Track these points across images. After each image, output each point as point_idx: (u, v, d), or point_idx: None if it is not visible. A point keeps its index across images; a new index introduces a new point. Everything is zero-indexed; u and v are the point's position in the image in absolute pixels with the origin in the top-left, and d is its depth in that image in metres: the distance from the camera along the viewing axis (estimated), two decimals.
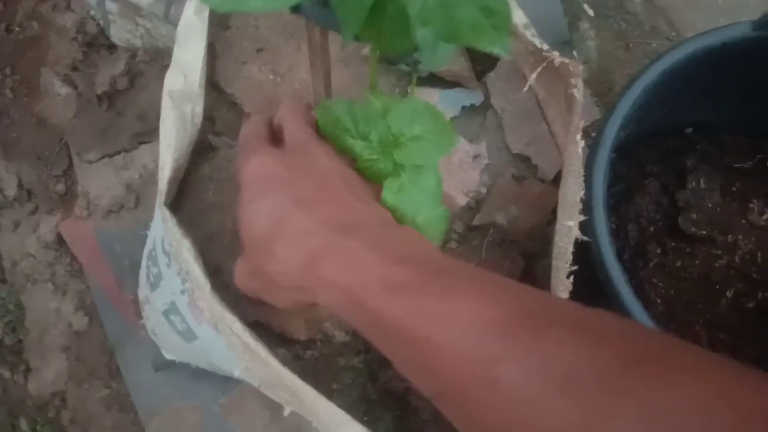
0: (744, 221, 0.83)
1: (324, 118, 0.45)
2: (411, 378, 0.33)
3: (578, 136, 0.51)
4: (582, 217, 0.51)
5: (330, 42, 0.46)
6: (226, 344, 0.52)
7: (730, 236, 0.82)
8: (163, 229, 0.53)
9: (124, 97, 0.86)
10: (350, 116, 0.44)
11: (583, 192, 0.50)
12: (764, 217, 0.83)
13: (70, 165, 0.91)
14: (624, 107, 0.64)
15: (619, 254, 0.83)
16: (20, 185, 0.90)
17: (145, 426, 0.85)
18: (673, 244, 0.82)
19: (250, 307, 0.55)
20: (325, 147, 0.43)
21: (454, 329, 0.29)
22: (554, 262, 0.51)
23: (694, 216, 0.81)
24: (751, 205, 0.83)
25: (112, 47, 0.86)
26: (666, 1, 1.02)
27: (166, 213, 0.51)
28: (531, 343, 0.27)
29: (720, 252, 0.82)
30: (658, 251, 0.82)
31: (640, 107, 0.68)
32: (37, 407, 0.90)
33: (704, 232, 0.81)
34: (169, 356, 0.80)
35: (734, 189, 0.84)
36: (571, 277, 0.53)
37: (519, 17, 0.53)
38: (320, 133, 0.46)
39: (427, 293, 0.31)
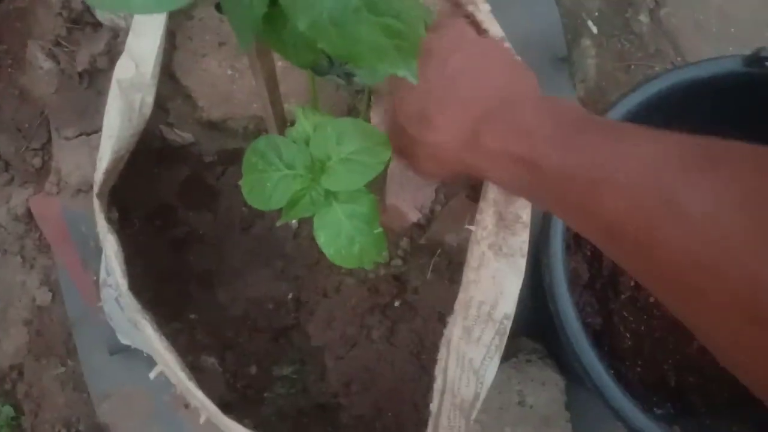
0: None
1: (249, 158, 0.43)
2: (582, 229, 0.33)
3: None
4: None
5: None
6: (145, 345, 0.51)
7: None
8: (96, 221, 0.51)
9: (105, 77, 0.85)
10: (273, 149, 0.42)
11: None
12: None
13: (49, 140, 0.90)
14: None
15: (591, 283, 0.80)
16: None
17: (96, 408, 0.85)
18: None
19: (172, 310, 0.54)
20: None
21: (632, 170, 0.29)
22: None
23: None
24: None
25: (97, 25, 0.85)
26: (675, 25, 0.98)
27: (97, 205, 0.50)
28: (709, 173, 0.27)
29: None
30: (632, 284, 0.79)
31: None
32: None
33: None
34: (124, 341, 0.80)
35: None
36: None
37: (495, 30, 0.51)
38: None
39: (600, 144, 0.32)
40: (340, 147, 0.43)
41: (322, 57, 0.37)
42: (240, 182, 0.46)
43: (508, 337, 0.80)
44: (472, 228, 0.47)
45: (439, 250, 0.57)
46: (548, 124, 0.34)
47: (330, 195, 0.44)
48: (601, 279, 0.80)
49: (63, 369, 0.87)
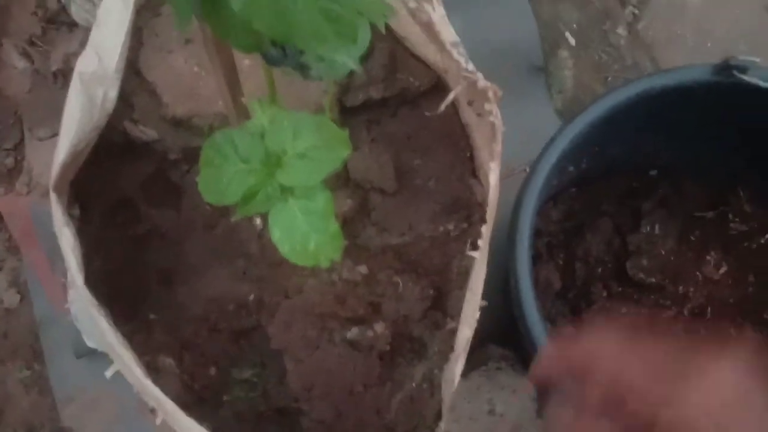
0: (698, 273, 0.79)
1: (206, 152, 0.43)
2: None
3: (493, 164, 0.48)
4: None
5: None
6: (99, 341, 0.50)
7: (681, 287, 0.78)
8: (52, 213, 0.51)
9: None
10: (229, 143, 0.42)
11: (487, 224, 0.48)
12: (720, 271, 0.79)
13: (22, 140, 0.89)
14: (562, 142, 0.61)
15: (564, 292, 0.80)
16: None
17: (60, 412, 0.83)
18: (620, 288, 0.79)
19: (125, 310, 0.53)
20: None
21: None
22: (467, 294, 0.48)
23: (645, 262, 0.78)
24: (708, 257, 0.79)
25: (72, 25, 0.85)
26: (652, 38, 0.99)
27: (54, 197, 0.49)
28: None
29: (668, 303, 0.78)
30: (604, 294, 0.79)
31: (588, 143, 0.65)
32: None
33: (653, 279, 0.77)
34: (90, 343, 0.78)
35: (692, 238, 0.80)
36: (477, 313, 0.51)
37: (447, 34, 0.51)
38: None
39: None
40: (296, 141, 0.43)
41: (275, 46, 0.37)
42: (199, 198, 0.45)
43: (477, 345, 0.80)
44: (474, 254, 0.47)
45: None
46: None
47: (286, 190, 0.44)
48: (574, 289, 0.80)
49: (28, 372, 0.86)
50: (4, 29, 0.87)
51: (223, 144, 0.44)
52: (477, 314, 0.48)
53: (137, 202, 0.58)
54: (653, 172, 0.83)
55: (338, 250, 0.45)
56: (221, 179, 0.44)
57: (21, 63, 0.86)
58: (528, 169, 0.95)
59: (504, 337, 0.84)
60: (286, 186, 0.44)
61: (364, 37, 0.42)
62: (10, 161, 0.89)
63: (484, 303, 0.48)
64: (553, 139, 0.61)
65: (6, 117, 0.90)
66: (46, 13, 0.84)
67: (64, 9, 0.84)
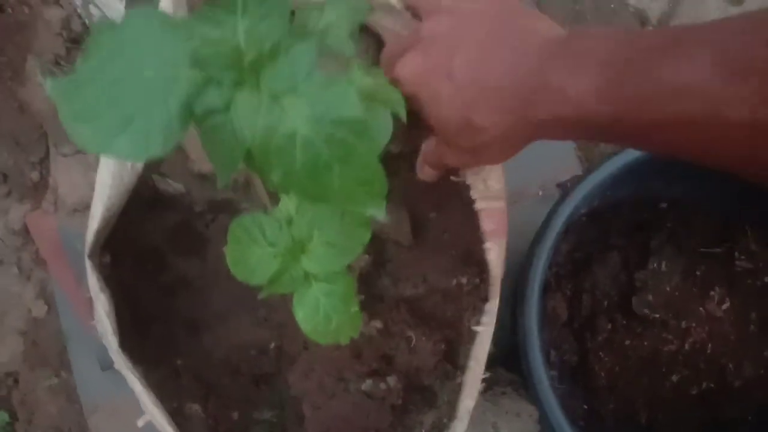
0: (701, 309, 0.81)
1: (235, 232, 0.45)
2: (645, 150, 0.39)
3: (488, 244, 0.51)
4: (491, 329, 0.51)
5: None
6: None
7: (683, 323, 0.81)
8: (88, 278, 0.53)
9: None
10: (257, 226, 0.44)
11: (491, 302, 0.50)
12: (723, 307, 0.81)
13: (47, 154, 0.92)
14: (574, 200, 0.63)
15: (569, 322, 0.83)
16: None
17: (87, 419, 0.88)
18: (624, 321, 0.81)
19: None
20: None
21: (675, 101, 0.31)
22: (470, 363, 0.51)
23: (650, 298, 0.80)
24: (711, 293, 0.82)
25: None
26: None
27: (89, 265, 0.52)
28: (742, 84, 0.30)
29: (671, 337, 0.81)
30: (608, 327, 0.81)
31: (600, 191, 0.67)
32: None
33: (657, 315, 0.80)
34: None
35: (698, 273, 0.83)
36: (481, 385, 0.54)
37: None
38: None
39: (641, 81, 0.33)
40: (320, 231, 0.45)
41: None
42: (225, 248, 0.48)
43: (486, 368, 0.84)
44: (478, 329, 0.51)
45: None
46: (586, 76, 0.34)
47: (309, 274, 0.46)
48: (580, 319, 0.82)
49: (56, 380, 0.90)
50: (29, 46, 0.89)
51: (250, 227, 0.46)
52: (480, 386, 0.50)
53: (165, 251, 0.61)
54: (663, 205, 0.85)
55: (357, 329, 0.48)
56: (249, 259, 0.47)
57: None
58: (541, 193, 0.97)
59: (511, 360, 0.87)
60: (309, 273, 0.46)
61: (387, 128, 0.45)
62: (35, 175, 0.92)
63: (487, 375, 0.51)
64: (563, 198, 0.63)
65: (32, 131, 0.92)
66: (70, 33, 0.86)
67: (88, 30, 0.85)
